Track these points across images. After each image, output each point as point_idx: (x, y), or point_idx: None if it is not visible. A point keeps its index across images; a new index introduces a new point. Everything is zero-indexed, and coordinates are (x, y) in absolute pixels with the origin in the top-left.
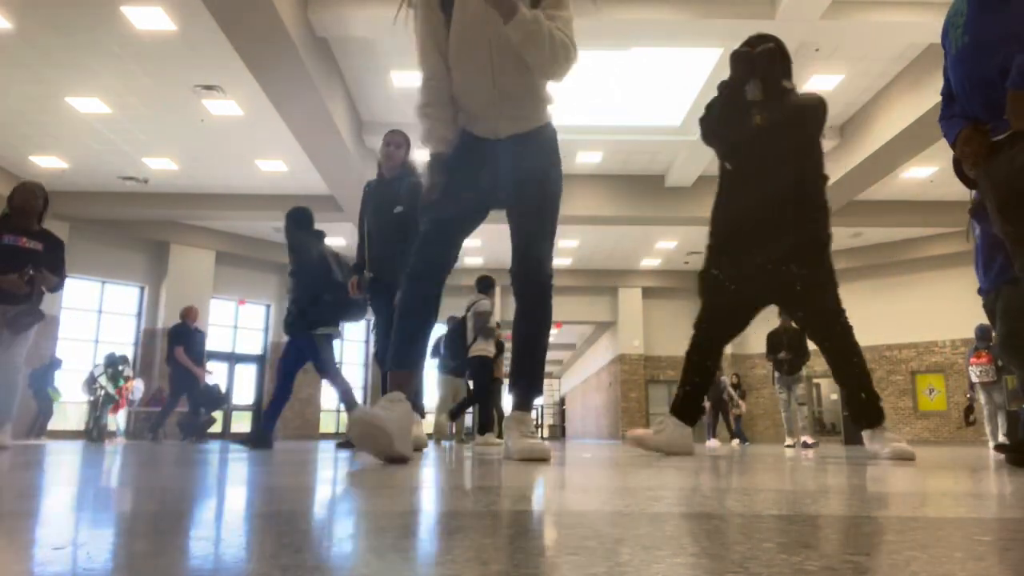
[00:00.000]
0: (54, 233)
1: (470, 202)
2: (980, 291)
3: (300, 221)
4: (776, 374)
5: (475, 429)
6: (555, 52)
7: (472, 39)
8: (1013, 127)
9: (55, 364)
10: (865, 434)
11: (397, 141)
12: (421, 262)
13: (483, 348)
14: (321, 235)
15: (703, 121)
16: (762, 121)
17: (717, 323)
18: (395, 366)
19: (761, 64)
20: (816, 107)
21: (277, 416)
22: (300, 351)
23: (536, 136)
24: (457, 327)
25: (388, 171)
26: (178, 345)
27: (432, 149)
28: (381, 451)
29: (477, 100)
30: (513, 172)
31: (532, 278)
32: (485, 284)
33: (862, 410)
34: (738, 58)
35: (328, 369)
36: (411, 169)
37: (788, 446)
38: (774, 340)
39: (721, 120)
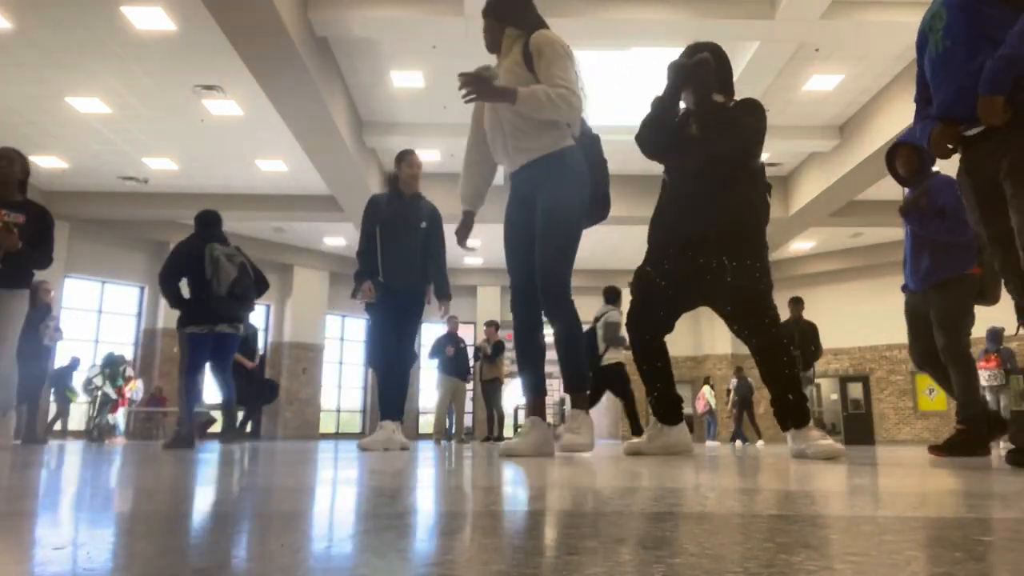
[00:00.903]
0: (38, 203)
1: (529, 233)
2: (904, 288)
3: (200, 222)
4: None
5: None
6: (557, 106)
7: (483, 111)
8: (984, 123)
9: (73, 364)
10: (790, 434)
11: (420, 163)
12: (520, 311)
13: (615, 356)
14: (215, 237)
15: (640, 138)
16: (697, 131)
17: (646, 322)
18: (533, 396)
19: (694, 75)
20: (753, 118)
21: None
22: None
23: (543, 162)
24: (591, 334)
25: (408, 188)
26: None
27: (463, 206)
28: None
29: (497, 145)
30: (530, 196)
31: (544, 292)
32: (613, 295)
33: (789, 411)
34: (671, 69)
35: (186, 370)
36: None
37: None
38: (784, 333)
39: (658, 131)
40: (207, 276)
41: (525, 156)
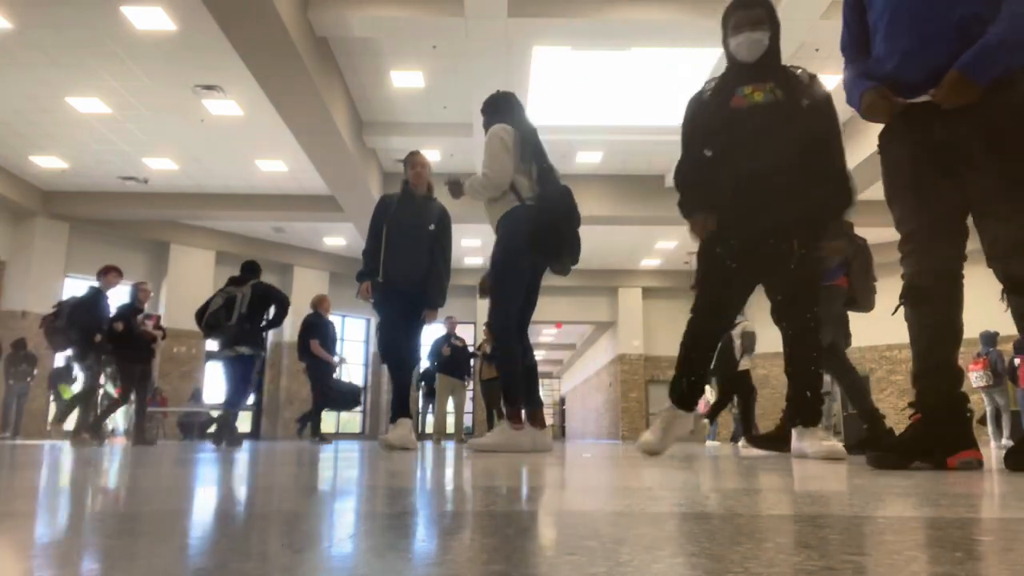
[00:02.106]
0: None
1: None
2: None
3: (240, 269)
4: None
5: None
6: (477, 191)
7: None
8: (942, 103)
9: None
10: (795, 431)
11: (423, 162)
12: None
13: (745, 364)
14: (236, 280)
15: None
16: (766, 96)
17: (723, 309)
18: (517, 405)
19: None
20: (828, 101)
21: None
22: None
23: (497, 228)
24: (727, 344)
25: (418, 189)
26: (312, 337)
27: None
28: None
29: None
30: None
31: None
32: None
33: (804, 407)
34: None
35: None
36: (432, 188)
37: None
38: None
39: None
40: (208, 311)
41: (493, 225)
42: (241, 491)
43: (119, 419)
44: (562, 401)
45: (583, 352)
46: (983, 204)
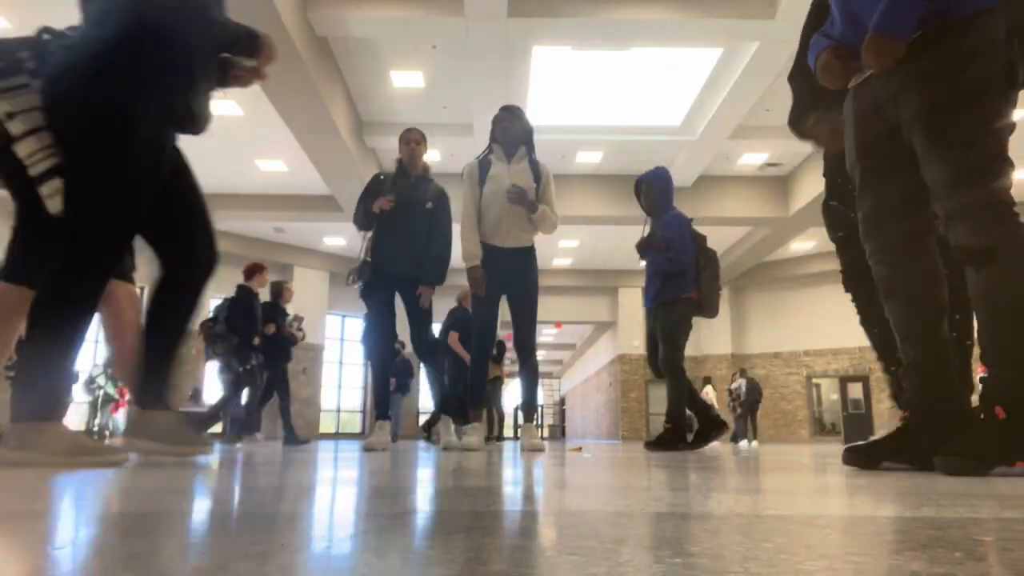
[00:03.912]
0: None
1: (495, 288)
2: (644, 306)
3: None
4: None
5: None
6: (550, 226)
7: (495, 196)
8: (867, 65)
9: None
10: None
11: (417, 138)
12: (483, 342)
13: None
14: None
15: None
16: None
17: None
18: (475, 407)
19: None
20: None
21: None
22: None
23: (528, 252)
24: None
25: (412, 169)
26: (454, 330)
27: (468, 264)
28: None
29: (501, 225)
30: (515, 272)
31: (523, 340)
32: None
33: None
34: None
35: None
36: (428, 169)
37: None
38: None
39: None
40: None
41: (518, 242)
42: (241, 491)
43: (119, 420)
44: (562, 401)
45: (583, 352)
46: (924, 166)
